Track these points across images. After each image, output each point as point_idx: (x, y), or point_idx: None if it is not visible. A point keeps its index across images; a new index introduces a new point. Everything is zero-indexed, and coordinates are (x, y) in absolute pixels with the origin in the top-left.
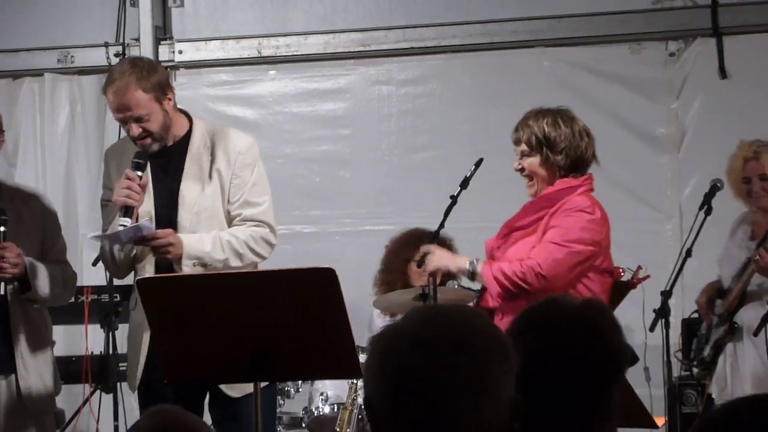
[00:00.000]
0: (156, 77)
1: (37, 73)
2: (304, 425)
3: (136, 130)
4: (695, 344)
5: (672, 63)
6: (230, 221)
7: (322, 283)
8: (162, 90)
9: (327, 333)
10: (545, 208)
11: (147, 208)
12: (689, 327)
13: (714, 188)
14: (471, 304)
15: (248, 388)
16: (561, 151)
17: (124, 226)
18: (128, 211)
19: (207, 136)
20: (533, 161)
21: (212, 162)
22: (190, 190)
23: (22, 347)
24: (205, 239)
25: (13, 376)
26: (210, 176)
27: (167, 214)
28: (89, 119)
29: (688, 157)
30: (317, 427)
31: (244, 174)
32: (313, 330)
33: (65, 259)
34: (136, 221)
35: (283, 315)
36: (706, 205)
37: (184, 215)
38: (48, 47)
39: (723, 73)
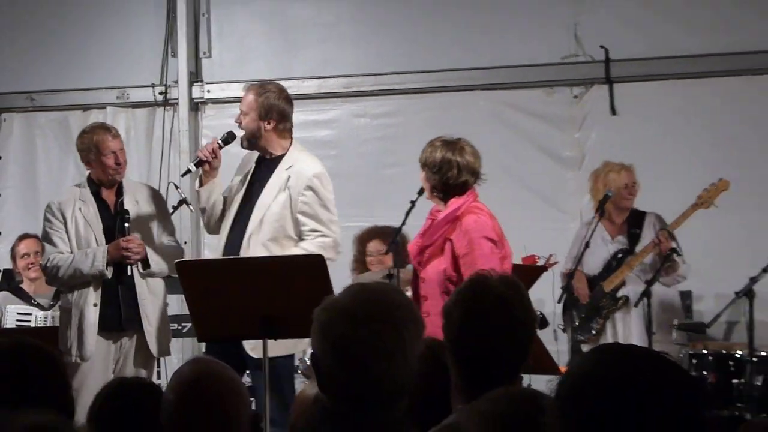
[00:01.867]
0: (270, 103)
1: (101, 106)
2: (299, 371)
3: (237, 118)
4: (578, 318)
5: (576, 103)
6: (299, 232)
7: (313, 266)
8: (266, 113)
9: (317, 302)
10: (445, 227)
11: (240, 196)
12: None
13: (606, 197)
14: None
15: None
16: (434, 173)
17: (189, 170)
18: (200, 163)
19: (293, 158)
20: (422, 175)
21: (288, 178)
22: (266, 196)
23: (146, 311)
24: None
25: (141, 331)
26: (284, 189)
27: (248, 209)
28: (140, 141)
29: (586, 173)
30: (311, 373)
31: (309, 194)
32: (306, 300)
33: (175, 237)
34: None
35: (285, 289)
36: (600, 209)
37: (256, 213)
38: (110, 87)
39: (613, 111)
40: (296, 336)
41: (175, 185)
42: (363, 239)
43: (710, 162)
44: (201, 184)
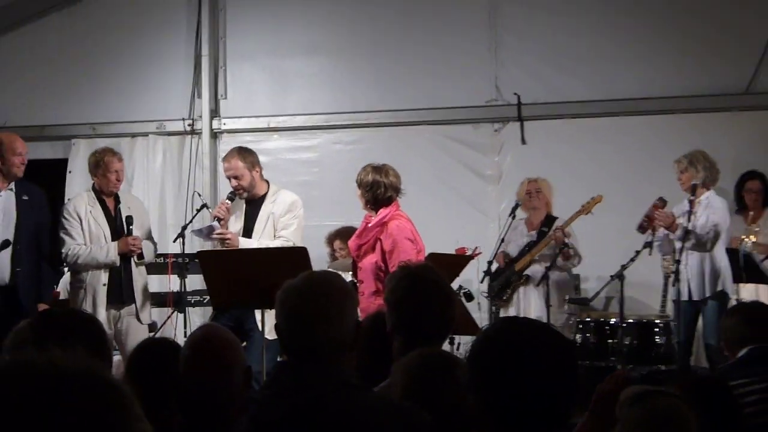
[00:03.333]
0: (250, 157)
1: (145, 134)
2: None
3: (234, 183)
4: (496, 288)
5: (496, 135)
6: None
7: (299, 256)
8: (252, 165)
9: None
10: (376, 230)
11: (239, 227)
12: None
13: (516, 205)
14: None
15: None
16: (368, 191)
17: (213, 227)
18: (219, 220)
19: (274, 195)
20: (358, 192)
21: (273, 209)
22: (259, 223)
23: (137, 288)
24: (253, 242)
25: (134, 304)
26: (270, 217)
27: (248, 234)
28: (174, 161)
29: (503, 187)
30: None
31: (287, 215)
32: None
33: (152, 237)
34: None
35: (277, 272)
36: (513, 214)
37: (254, 236)
38: (151, 120)
39: (523, 141)
40: None
41: (198, 194)
42: (330, 239)
43: (593, 180)
44: None
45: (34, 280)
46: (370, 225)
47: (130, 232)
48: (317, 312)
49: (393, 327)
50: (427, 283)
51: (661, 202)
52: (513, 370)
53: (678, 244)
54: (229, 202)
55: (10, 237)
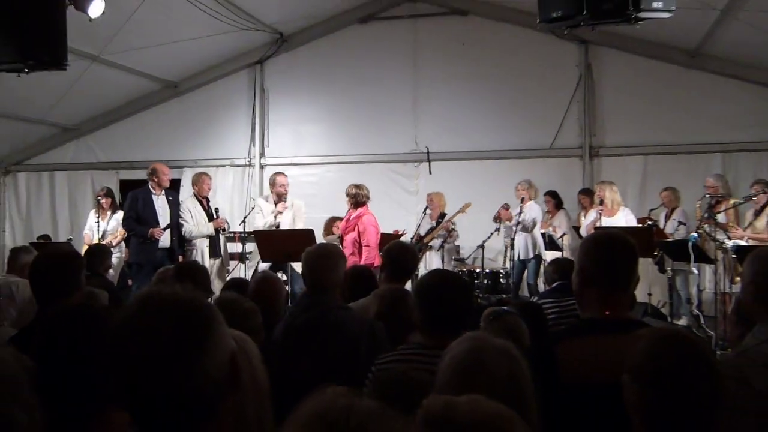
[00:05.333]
0: (273, 182)
1: (223, 166)
2: None
3: (282, 190)
4: None
5: (415, 168)
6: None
7: (308, 234)
8: (271, 184)
9: None
10: (356, 220)
11: (278, 220)
12: None
13: (426, 207)
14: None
15: None
16: (352, 197)
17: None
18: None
19: (290, 200)
20: (346, 200)
21: (291, 206)
22: (286, 217)
23: (223, 249)
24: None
25: (221, 257)
26: (291, 211)
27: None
28: (239, 182)
29: (419, 198)
30: None
31: (297, 213)
32: (306, 246)
33: (227, 221)
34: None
35: (298, 242)
36: (424, 212)
37: (285, 224)
38: (226, 158)
39: (430, 172)
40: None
41: (253, 199)
42: (330, 222)
43: (467, 193)
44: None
45: (177, 245)
46: (352, 217)
47: (218, 216)
48: (324, 265)
49: (383, 265)
50: (408, 249)
51: (505, 206)
52: (439, 296)
53: (513, 229)
54: (279, 204)
55: (168, 222)
